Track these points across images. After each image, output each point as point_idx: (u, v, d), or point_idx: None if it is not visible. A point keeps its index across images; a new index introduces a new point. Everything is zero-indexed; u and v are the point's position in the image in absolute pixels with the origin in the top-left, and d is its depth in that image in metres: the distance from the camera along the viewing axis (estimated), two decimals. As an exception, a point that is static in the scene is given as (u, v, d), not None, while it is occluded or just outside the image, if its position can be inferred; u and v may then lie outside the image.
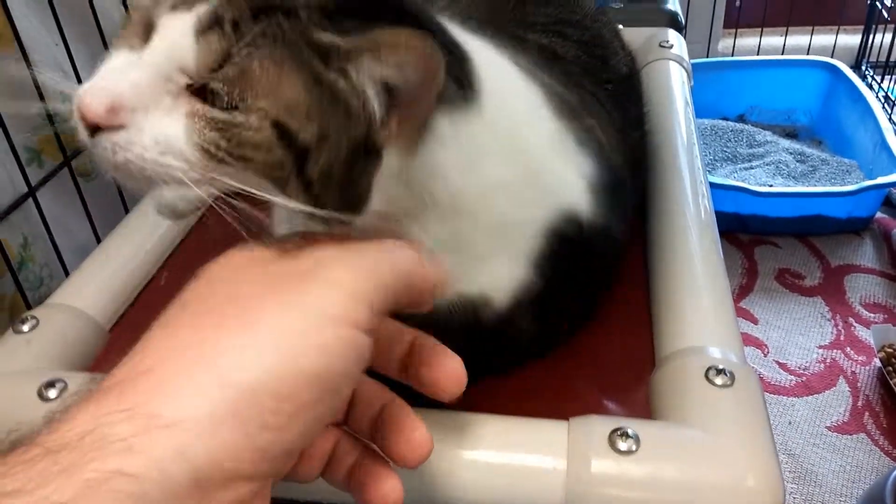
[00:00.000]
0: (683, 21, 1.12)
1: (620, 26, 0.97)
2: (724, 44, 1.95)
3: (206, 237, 0.70)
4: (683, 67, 0.94)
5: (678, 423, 0.46)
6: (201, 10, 0.33)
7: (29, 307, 0.66)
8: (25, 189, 0.67)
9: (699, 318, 0.54)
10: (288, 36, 0.33)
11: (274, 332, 0.28)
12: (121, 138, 0.33)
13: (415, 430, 0.34)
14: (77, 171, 0.74)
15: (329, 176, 0.34)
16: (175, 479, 0.24)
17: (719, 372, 0.48)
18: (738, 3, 1.90)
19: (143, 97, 0.33)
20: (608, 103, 0.60)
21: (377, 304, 0.30)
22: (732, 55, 1.91)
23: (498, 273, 0.48)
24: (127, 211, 0.80)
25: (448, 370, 0.35)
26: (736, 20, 1.92)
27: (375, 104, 0.34)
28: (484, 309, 0.48)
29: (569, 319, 0.56)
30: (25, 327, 0.56)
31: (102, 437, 0.24)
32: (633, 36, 0.96)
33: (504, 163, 0.44)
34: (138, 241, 0.68)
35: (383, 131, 0.35)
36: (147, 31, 0.34)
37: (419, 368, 0.36)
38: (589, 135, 0.52)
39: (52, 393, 0.50)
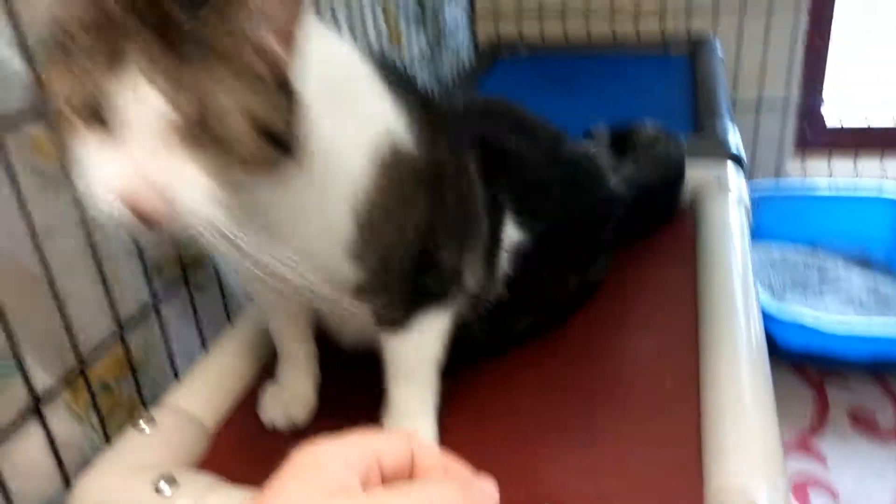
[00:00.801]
0: (744, 156, 1.18)
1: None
2: (794, 166, 2.00)
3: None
4: (742, 203, 0.99)
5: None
6: (140, 67, 0.39)
7: (145, 406, 0.75)
8: (147, 297, 0.78)
9: (742, 453, 0.58)
10: (196, 43, 0.40)
11: None
12: (163, 202, 0.42)
13: None
14: (194, 282, 0.85)
15: (288, 125, 0.43)
16: None
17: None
18: (807, 127, 1.95)
19: (157, 166, 0.41)
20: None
21: (368, 475, 0.36)
22: (804, 177, 1.95)
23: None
24: (230, 320, 0.90)
25: None
26: (806, 143, 1.96)
27: (269, 44, 0.42)
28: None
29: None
30: (143, 425, 0.65)
31: None
32: (693, 170, 1.03)
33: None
34: (240, 350, 0.77)
35: (283, 65, 0.43)
36: (87, 116, 0.41)
37: None
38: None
39: (164, 487, 0.58)
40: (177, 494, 0.57)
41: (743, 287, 0.80)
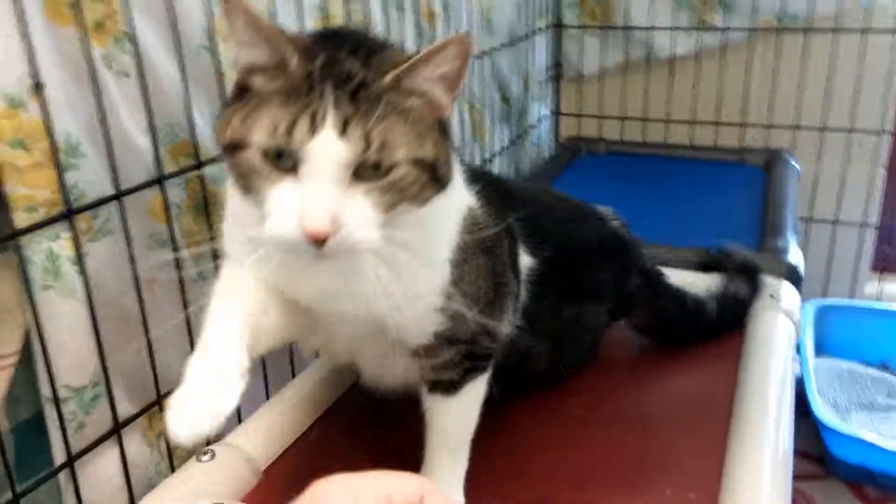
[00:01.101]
0: (801, 272, 1.21)
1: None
2: (871, 286, 1.97)
3: (347, 404, 0.87)
4: (791, 320, 1.03)
5: None
6: (331, 122, 0.46)
7: (208, 442, 0.84)
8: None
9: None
10: (376, 99, 0.47)
11: None
12: (341, 236, 0.47)
13: None
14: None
15: (446, 162, 0.51)
16: None
17: None
18: (886, 249, 1.94)
19: (338, 203, 0.47)
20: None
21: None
22: (880, 299, 1.93)
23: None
24: (293, 375, 0.99)
25: None
26: (885, 264, 1.95)
27: (438, 94, 0.50)
28: None
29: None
30: (205, 458, 0.74)
31: None
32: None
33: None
34: (297, 402, 0.86)
35: (446, 109, 0.52)
36: (277, 161, 0.47)
37: None
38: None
39: (215, 514, 0.66)
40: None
41: (778, 402, 0.83)
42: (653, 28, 1.90)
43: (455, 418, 0.68)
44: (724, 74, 1.88)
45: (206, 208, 0.82)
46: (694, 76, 1.91)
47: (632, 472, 0.76)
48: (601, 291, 0.87)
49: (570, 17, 1.99)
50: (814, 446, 1.50)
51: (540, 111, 1.98)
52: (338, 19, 1.06)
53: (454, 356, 0.65)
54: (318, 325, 0.63)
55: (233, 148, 0.48)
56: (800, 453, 1.58)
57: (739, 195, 1.57)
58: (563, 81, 2.05)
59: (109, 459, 0.74)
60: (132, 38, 0.72)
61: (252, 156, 0.47)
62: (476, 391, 0.68)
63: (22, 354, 0.67)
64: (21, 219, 0.64)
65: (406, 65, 0.48)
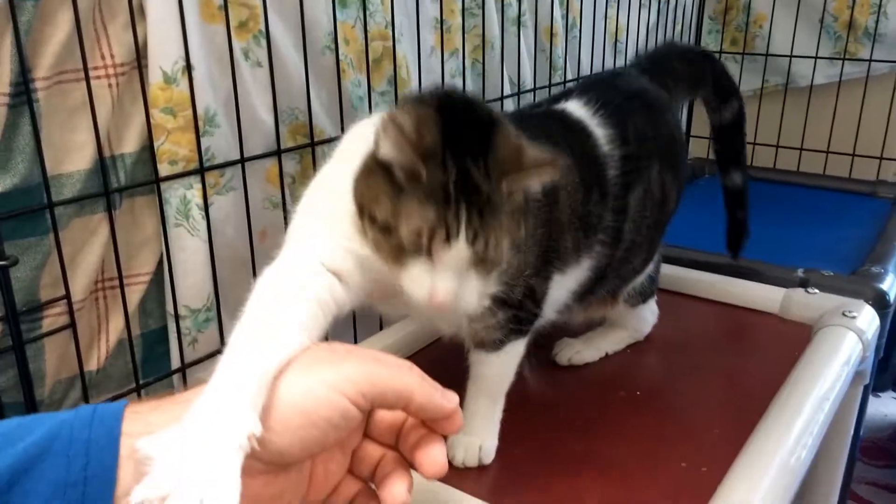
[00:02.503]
0: (891, 301, 1.20)
1: (816, 290, 1.13)
2: None
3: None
4: (861, 340, 1.04)
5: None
6: (463, 236, 0.54)
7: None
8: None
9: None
10: (495, 209, 0.55)
11: (300, 381, 0.45)
12: (457, 307, 0.57)
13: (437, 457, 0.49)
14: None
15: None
16: None
17: None
18: None
19: (458, 285, 0.56)
20: None
21: (367, 392, 0.45)
22: None
23: None
24: (381, 327, 1.12)
25: (431, 457, 0.48)
26: None
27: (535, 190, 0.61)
28: None
29: None
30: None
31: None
32: (829, 301, 1.10)
33: None
34: (379, 348, 0.99)
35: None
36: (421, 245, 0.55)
37: (412, 447, 0.48)
38: None
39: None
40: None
41: (812, 413, 0.86)
42: (794, 56, 1.90)
43: (495, 371, 0.77)
44: (866, 106, 1.85)
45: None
46: (832, 106, 1.88)
47: (652, 442, 0.83)
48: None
49: (711, 42, 2.03)
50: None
51: (670, 132, 2.03)
52: (456, 33, 1.20)
53: (501, 320, 0.73)
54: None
55: (376, 225, 0.56)
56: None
57: (858, 225, 1.54)
58: (696, 104, 2.08)
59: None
60: (267, 37, 0.90)
61: (396, 238, 0.55)
62: (516, 350, 0.76)
63: (154, 276, 0.86)
64: (164, 169, 0.82)
65: (517, 177, 0.56)
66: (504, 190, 0.56)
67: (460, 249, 0.54)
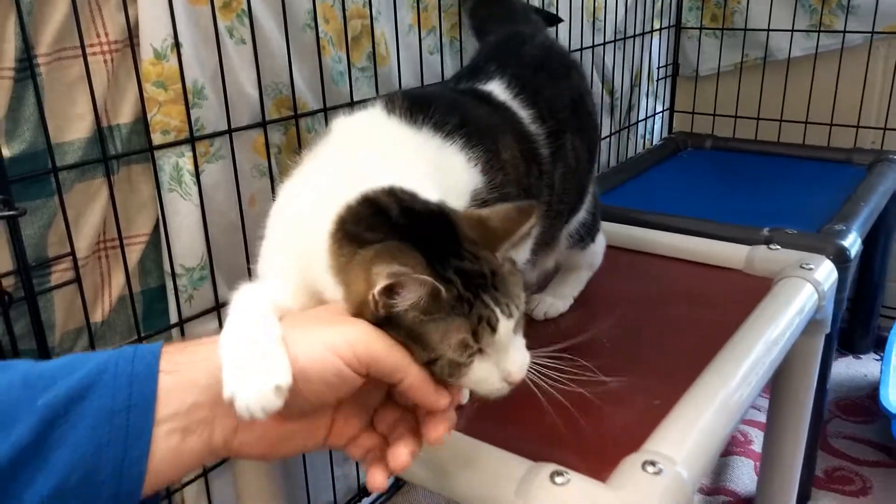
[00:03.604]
0: (850, 256, 1.27)
1: (778, 247, 1.20)
2: None
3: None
4: (818, 291, 1.11)
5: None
6: (502, 317, 0.54)
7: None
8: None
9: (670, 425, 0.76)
10: (503, 278, 0.56)
11: (300, 340, 0.50)
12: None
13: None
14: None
15: None
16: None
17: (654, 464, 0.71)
18: None
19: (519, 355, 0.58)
20: None
21: (363, 357, 0.50)
22: None
23: None
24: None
25: (434, 430, 0.55)
26: None
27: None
28: None
29: None
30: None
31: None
32: (792, 255, 1.16)
33: None
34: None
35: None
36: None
37: (423, 414, 0.56)
38: None
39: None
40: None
41: (760, 356, 0.92)
42: (771, 30, 1.96)
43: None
44: (842, 76, 1.91)
45: (301, 150, 1.06)
46: (810, 78, 1.94)
47: (612, 374, 0.90)
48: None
49: (691, 19, 2.09)
50: (888, 437, 1.54)
51: (655, 107, 2.10)
52: (433, 11, 1.27)
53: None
54: None
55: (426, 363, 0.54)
56: (872, 442, 1.61)
57: (832, 191, 1.60)
58: (679, 79, 2.15)
59: (208, 329, 0.99)
60: (250, 16, 0.97)
61: (446, 360, 0.53)
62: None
63: (152, 237, 0.94)
64: (157, 138, 0.90)
65: (505, 247, 0.57)
66: (499, 260, 0.57)
67: (505, 326, 0.55)
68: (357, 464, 1.35)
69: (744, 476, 1.53)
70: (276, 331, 0.52)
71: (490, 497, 0.71)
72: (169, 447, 0.47)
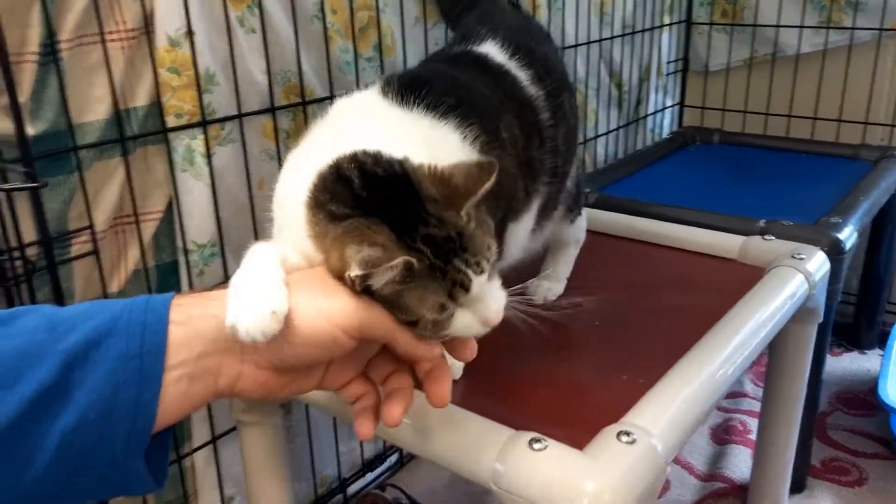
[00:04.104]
0: (845, 248, 1.29)
1: (772, 237, 1.23)
2: None
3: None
4: (808, 282, 1.13)
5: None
6: (473, 277, 0.57)
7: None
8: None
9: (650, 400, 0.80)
10: (470, 237, 0.58)
11: (301, 306, 0.53)
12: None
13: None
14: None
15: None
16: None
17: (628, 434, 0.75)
18: None
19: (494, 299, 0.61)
20: None
21: (357, 327, 0.54)
22: None
23: None
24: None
25: (439, 391, 0.60)
26: None
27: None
28: None
29: None
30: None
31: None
32: (786, 245, 1.19)
33: None
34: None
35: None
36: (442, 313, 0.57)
37: (426, 373, 0.60)
38: None
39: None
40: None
41: (744, 340, 0.95)
42: (781, 26, 1.98)
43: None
44: (850, 73, 1.92)
45: (308, 136, 1.11)
46: (819, 74, 1.96)
47: (604, 362, 0.94)
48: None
49: (702, 15, 2.11)
50: (887, 431, 1.57)
51: (664, 101, 2.12)
52: None
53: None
54: None
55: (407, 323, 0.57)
56: (871, 435, 1.63)
57: (833, 185, 1.63)
58: (689, 74, 2.17)
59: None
60: (260, 6, 1.02)
61: (426, 320, 0.57)
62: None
63: (165, 214, 0.99)
64: (170, 121, 0.95)
65: (468, 205, 0.58)
66: (464, 219, 0.58)
67: (478, 283, 0.58)
68: (361, 442, 1.40)
69: (741, 464, 1.55)
70: (280, 274, 0.56)
71: (473, 460, 0.76)
72: (178, 391, 0.51)
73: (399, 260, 0.53)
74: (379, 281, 0.54)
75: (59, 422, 0.47)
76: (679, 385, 0.86)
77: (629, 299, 1.11)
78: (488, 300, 0.60)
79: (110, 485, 0.51)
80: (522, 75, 0.85)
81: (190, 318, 0.52)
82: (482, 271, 0.58)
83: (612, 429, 0.76)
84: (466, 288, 0.57)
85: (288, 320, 0.53)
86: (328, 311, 0.54)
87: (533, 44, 0.90)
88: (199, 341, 0.52)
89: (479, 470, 0.74)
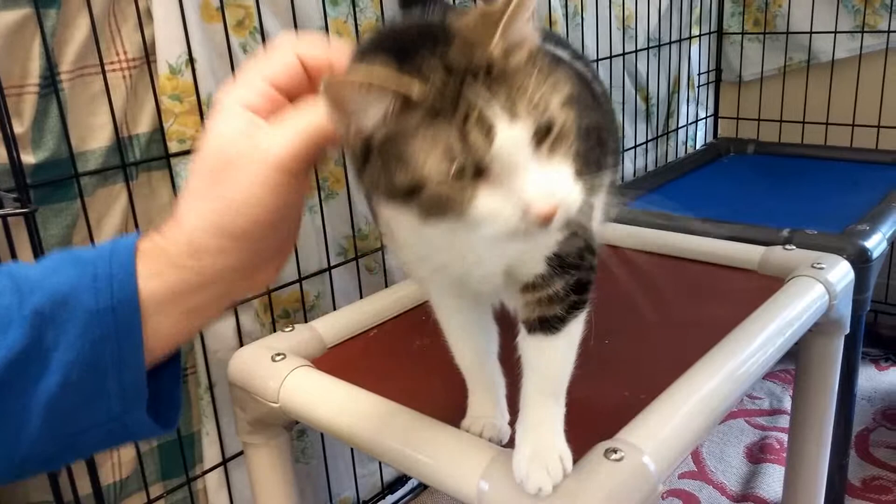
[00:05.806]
0: (872, 256, 1.24)
1: (793, 247, 1.19)
2: None
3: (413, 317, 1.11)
4: (828, 291, 1.09)
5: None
6: (498, 116, 0.42)
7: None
8: (326, 265, 1.18)
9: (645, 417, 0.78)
10: (503, 72, 0.43)
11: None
12: (561, 213, 0.44)
13: None
14: (365, 265, 1.24)
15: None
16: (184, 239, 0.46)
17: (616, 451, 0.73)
18: None
19: (545, 177, 0.44)
20: None
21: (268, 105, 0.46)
22: None
23: None
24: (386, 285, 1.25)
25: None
26: None
27: (529, 32, 0.46)
28: None
29: None
30: (287, 329, 1.03)
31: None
32: (800, 256, 1.16)
33: None
34: (372, 307, 1.12)
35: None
36: (461, 181, 0.43)
37: None
38: None
39: (278, 359, 0.95)
40: (281, 362, 0.93)
41: (755, 352, 0.93)
42: (814, 32, 1.93)
43: (556, 359, 0.66)
44: (888, 77, 1.86)
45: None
46: (855, 79, 1.90)
47: (605, 370, 0.92)
48: None
49: (733, 25, 2.07)
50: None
51: (697, 113, 2.09)
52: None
53: (563, 286, 0.61)
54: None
55: (407, 195, 0.45)
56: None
57: (869, 193, 1.57)
58: (723, 85, 2.13)
59: (227, 326, 1.07)
60: (261, 32, 1.04)
61: (434, 189, 0.43)
62: (577, 330, 0.65)
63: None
64: (173, 146, 0.98)
65: (502, 26, 0.44)
66: (501, 51, 0.44)
67: (512, 133, 0.42)
68: (380, 463, 1.40)
69: (775, 483, 1.50)
70: None
71: (458, 478, 0.75)
72: (165, 330, 0.47)
73: (384, 72, 0.42)
74: (372, 117, 0.43)
75: (41, 384, 0.45)
76: (677, 402, 0.83)
77: (642, 313, 1.09)
78: (533, 175, 0.43)
79: (115, 437, 0.49)
80: (561, 53, 0.74)
81: (163, 274, 0.47)
82: (517, 118, 0.42)
83: (601, 446, 0.75)
84: (488, 132, 0.42)
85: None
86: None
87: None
88: (179, 289, 0.47)
89: (463, 488, 0.73)
